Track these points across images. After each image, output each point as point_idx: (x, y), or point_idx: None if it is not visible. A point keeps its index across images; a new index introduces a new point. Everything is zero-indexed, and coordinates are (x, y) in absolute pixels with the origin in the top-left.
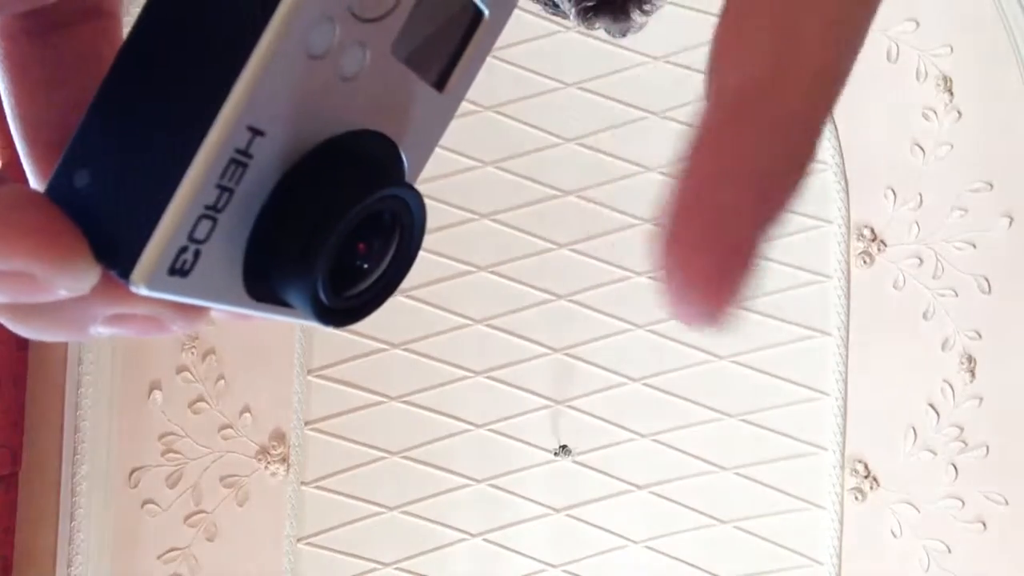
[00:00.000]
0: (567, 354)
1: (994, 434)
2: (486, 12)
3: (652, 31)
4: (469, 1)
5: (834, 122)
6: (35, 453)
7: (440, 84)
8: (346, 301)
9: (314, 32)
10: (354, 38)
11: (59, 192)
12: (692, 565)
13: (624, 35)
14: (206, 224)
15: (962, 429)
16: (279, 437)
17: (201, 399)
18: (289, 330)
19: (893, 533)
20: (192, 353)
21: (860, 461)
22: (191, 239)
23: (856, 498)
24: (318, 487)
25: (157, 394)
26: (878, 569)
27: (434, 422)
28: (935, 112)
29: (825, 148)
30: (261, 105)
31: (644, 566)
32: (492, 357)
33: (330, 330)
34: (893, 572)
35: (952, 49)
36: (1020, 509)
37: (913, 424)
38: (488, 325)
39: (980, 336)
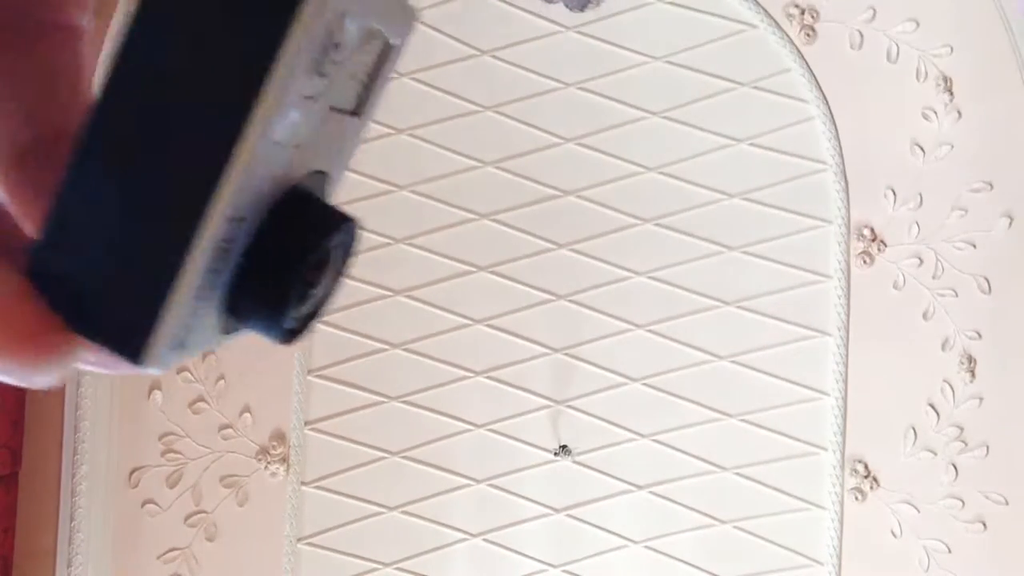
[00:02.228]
0: (567, 354)
1: (994, 434)
2: (396, 43)
3: (652, 31)
4: (383, 39)
5: (834, 122)
6: (35, 453)
7: (358, 111)
8: (299, 322)
9: (281, 126)
10: (307, 113)
11: (44, 277)
12: (692, 565)
13: (583, 9)
14: (200, 304)
15: (962, 429)
16: (279, 437)
17: (201, 399)
18: None
19: (893, 533)
20: None
21: (860, 461)
22: (187, 322)
23: (856, 498)
24: (318, 487)
25: (157, 394)
26: (878, 569)
27: (434, 422)
28: (935, 112)
29: (825, 148)
30: (240, 200)
31: (644, 566)
32: (492, 357)
33: (329, 330)
34: (893, 572)
35: (952, 49)
36: (1020, 509)
37: (913, 424)
38: (488, 325)
39: (980, 336)
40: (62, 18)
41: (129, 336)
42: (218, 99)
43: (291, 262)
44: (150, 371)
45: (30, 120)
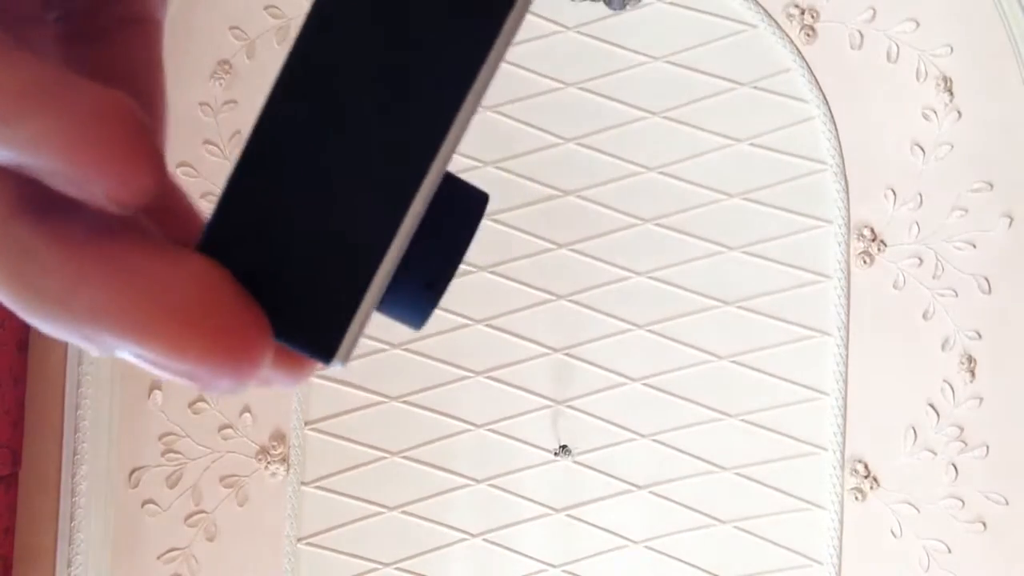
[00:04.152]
0: (567, 354)
1: (994, 434)
2: None
3: (652, 31)
4: None
5: (834, 122)
6: (35, 453)
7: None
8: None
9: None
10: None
11: (230, 259)
12: (692, 565)
13: (623, 7)
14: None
15: (962, 429)
16: (279, 437)
17: (201, 399)
18: None
19: (893, 533)
20: None
21: (860, 461)
22: (368, 312)
23: (856, 498)
24: (318, 487)
25: (157, 394)
26: (878, 569)
27: (434, 422)
28: (935, 112)
29: (825, 148)
30: (438, 175)
31: (644, 566)
32: (492, 357)
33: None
34: (893, 572)
35: (952, 49)
36: (1020, 509)
37: (913, 424)
38: (488, 325)
39: (980, 336)
40: (141, 10)
41: (321, 332)
42: (443, 54)
43: (459, 248)
44: (339, 366)
45: None
